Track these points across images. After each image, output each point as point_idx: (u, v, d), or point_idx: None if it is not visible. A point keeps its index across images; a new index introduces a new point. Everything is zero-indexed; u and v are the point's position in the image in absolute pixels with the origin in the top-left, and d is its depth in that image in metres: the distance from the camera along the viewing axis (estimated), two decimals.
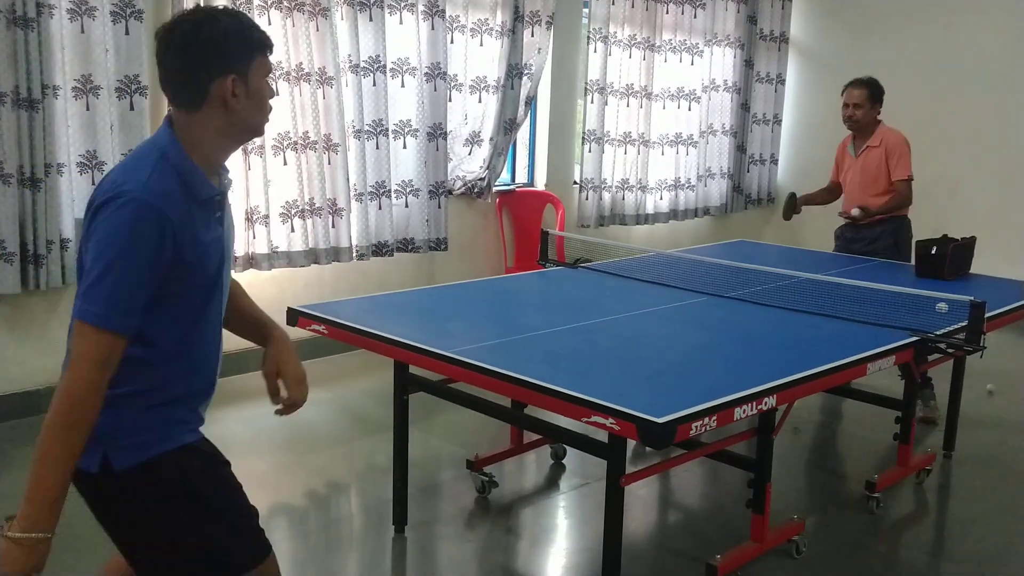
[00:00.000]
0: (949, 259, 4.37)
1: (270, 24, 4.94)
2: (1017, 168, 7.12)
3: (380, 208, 5.65)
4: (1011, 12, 7.06)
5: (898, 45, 7.53)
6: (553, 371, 2.78)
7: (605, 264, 4.46)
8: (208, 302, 1.95)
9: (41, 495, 1.72)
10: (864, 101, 4.95)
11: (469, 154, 6.19)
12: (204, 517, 1.95)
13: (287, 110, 5.13)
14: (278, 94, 5.02)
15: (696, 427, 2.42)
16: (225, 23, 1.87)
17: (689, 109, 7.53)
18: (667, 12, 7.19)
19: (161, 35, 1.88)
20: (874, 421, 4.70)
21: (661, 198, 7.48)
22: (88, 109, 4.45)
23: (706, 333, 3.42)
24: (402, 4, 5.55)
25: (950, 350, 3.40)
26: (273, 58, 1.97)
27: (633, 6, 6.94)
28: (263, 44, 1.92)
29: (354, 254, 5.57)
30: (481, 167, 6.16)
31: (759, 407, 2.65)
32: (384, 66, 5.50)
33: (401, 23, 5.57)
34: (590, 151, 6.89)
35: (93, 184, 4.46)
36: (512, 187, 6.69)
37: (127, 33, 4.49)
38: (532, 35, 6.27)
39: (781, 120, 8.38)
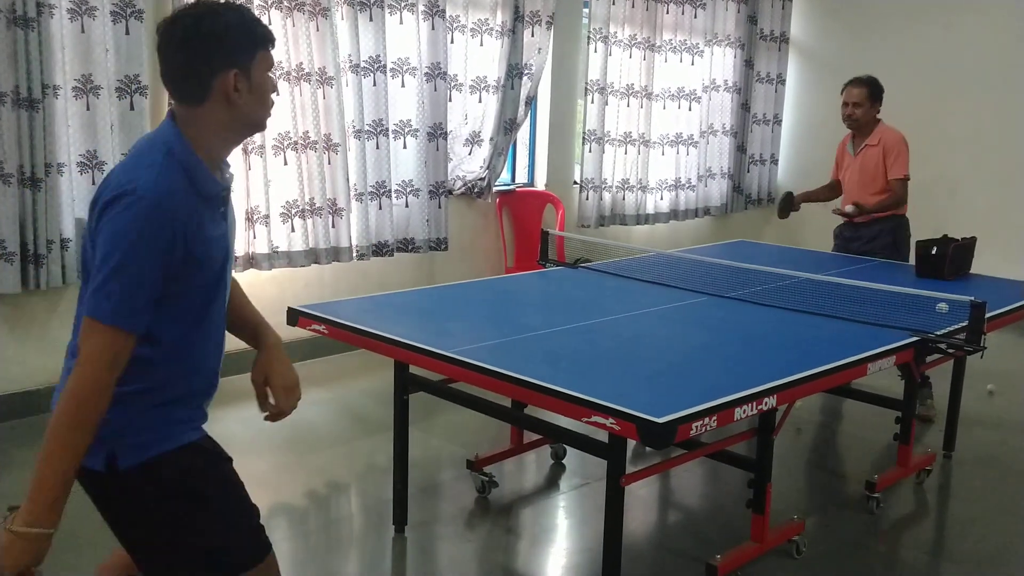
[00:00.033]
0: (949, 259, 4.37)
1: (270, 24, 4.94)
2: (1017, 168, 7.12)
3: (380, 208, 5.65)
4: (1011, 12, 7.06)
5: (898, 45, 7.53)
6: (553, 371, 2.78)
7: (605, 264, 4.46)
8: (212, 299, 1.95)
9: (45, 491, 1.73)
10: (864, 100, 4.95)
11: (469, 154, 6.19)
12: (205, 517, 1.95)
13: (287, 110, 5.13)
14: (279, 93, 5.02)
15: (696, 427, 2.42)
16: (227, 17, 1.86)
17: (689, 109, 7.53)
18: (667, 12, 7.19)
19: (162, 29, 1.87)
20: (874, 421, 4.70)
21: (661, 198, 7.48)
22: (88, 109, 4.45)
23: (706, 333, 3.42)
24: (402, 4, 5.55)
25: (950, 350, 3.40)
26: (273, 58, 1.97)
27: (633, 6, 6.94)
28: (265, 38, 1.91)
29: (354, 254, 5.57)
30: (481, 167, 6.16)
31: (759, 407, 2.65)
32: (384, 66, 5.50)
33: (401, 23, 5.57)
34: (590, 151, 6.89)
35: (93, 184, 4.46)
36: (512, 187, 6.69)
37: (127, 33, 4.49)
38: (532, 35, 6.27)
39: (781, 120, 8.38)
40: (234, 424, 4.15)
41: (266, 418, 2.12)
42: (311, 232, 5.33)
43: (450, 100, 5.92)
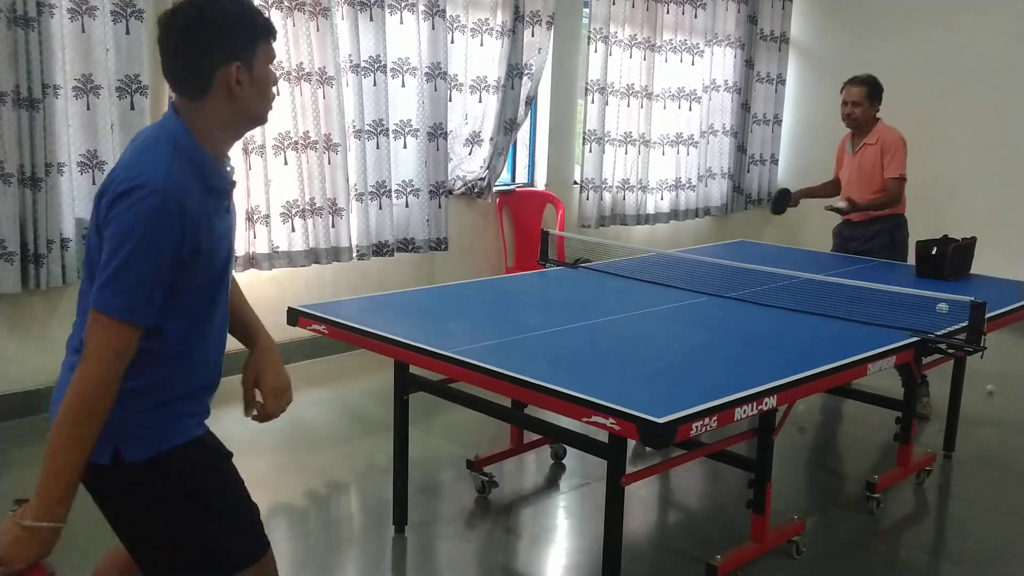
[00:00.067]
0: (949, 259, 4.37)
1: None
2: (1017, 168, 7.12)
3: (380, 208, 5.65)
4: (1011, 12, 7.06)
5: (898, 45, 7.53)
6: (553, 371, 2.78)
7: (605, 264, 4.46)
8: (217, 293, 1.95)
9: (54, 486, 1.73)
10: (863, 99, 4.95)
11: (469, 154, 6.19)
12: (205, 516, 1.95)
13: (288, 110, 5.13)
14: (279, 93, 5.02)
15: (696, 427, 2.42)
16: (228, 8, 1.85)
17: (690, 109, 7.53)
18: (667, 12, 7.19)
19: (163, 21, 1.86)
20: (874, 421, 4.70)
21: (662, 198, 7.47)
22: (89, 109, 4.45)
23: (706, 333, 3.42)
24: (402, 4, 5.55)
25: (951, 350, 3.40)
26: (275, 50, 1.97)
27: (633, 6, 6.94)
28: (267, 30, 1.91)
29: (354, 254, 5.57)
30: (481, 167, 6.16)
31: (759, 407, 2.65)
32: (384, 66, 5.50)
33: (401, 23, 5.57)
34: (590, 151, 6.89)
35: (94, 184, 4.46)
36: (512, 187, 6.69)
37: (128, 33, 4.49)
38: (532, 35, 6.27)
39: (781, 120, 8.38)
40: (234, 424, 4.13)
41: (253, 418, 2.13)
42: (311, 232, 5.33)
43: (450, 100, 5.92)
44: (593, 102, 6.85)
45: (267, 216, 5.15)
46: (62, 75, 4.35)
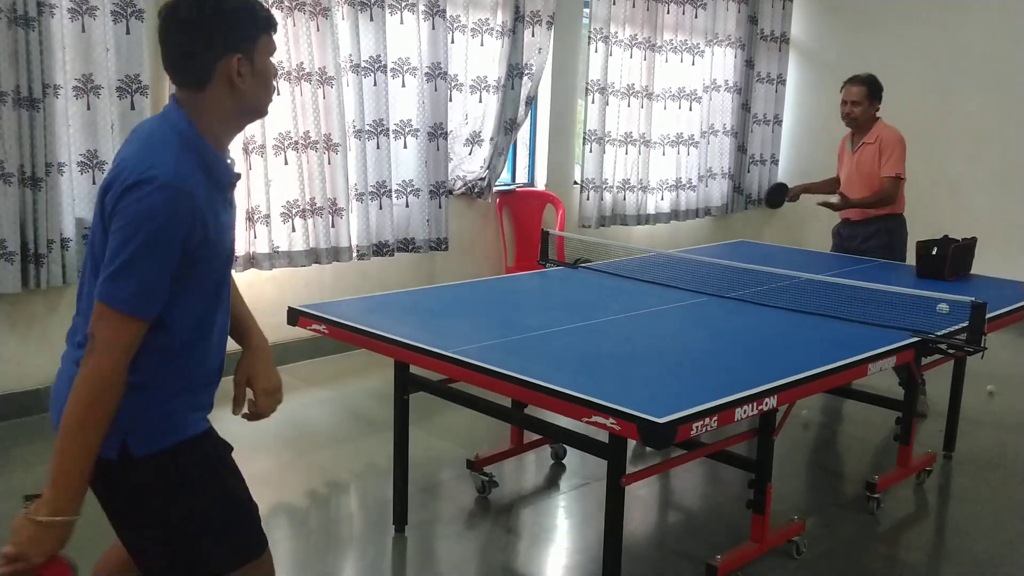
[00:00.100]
0: (950, 260, 4.37)
1: None
2: (1017, 168, 7.12)
3: (381, 208, 5.65)
4: (1011, 12, 7.06)
5: (898, 45, 7.53)
6: (553, 371, 2.78)
7: (605, 264, 4.46)
8: (221, 286, 1.95)
9: (65, 481, 1.74)
10: (863, 98, 4.95)
11: (469, 154, 6.19)
12: (204, 514, 1.95)
13: (288, 110, 5.13)
14: (279, 93, 5.03)
15: (697, 427, 2.42)
16: (229, 0, 1.85)
17: (690, 109, 7.53)
18: (668, 12, 7.19)
19: (164, 13, 1.85)
20: (874, 422, 4.70)
21: (662, 198, 7.47)
22: (89, 108, 4.45)
23: (707, 333, 3.42)
24: (403, 4, 5.55)
25: (951, 351, 3.40)
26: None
27: (634, 6, 6.94)
28: (268, 23, 1.90)
29: (355, 254, 5.58)
30: (481, 167, 6.16)
31: (760, 407, 2.65)
32: (385, 66, 5.50)
33: (402, 23, 5.57)
34: (591, 151, 6.89)
35: (94, 184, 4.47)
36: (512, 187, 6.69)
37: (128, 32, 4.49)
38: (533, 35, 6.27)
39: (782, 120, 8.38)
40: (234, 423, 4.15)
41: (244, 416, 2.13)
42: (311, 232, 5.34)
43: (450, 100, 5.92)
44: (593, 102, 6.85)
45: (267, 216, 5.15)
46: (62, 75, 4.35)
